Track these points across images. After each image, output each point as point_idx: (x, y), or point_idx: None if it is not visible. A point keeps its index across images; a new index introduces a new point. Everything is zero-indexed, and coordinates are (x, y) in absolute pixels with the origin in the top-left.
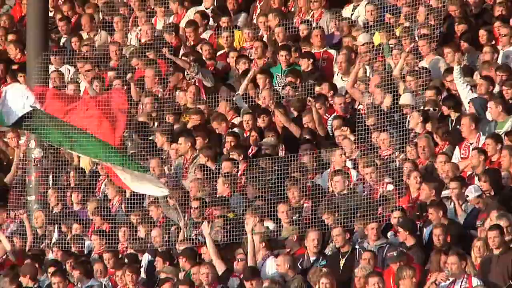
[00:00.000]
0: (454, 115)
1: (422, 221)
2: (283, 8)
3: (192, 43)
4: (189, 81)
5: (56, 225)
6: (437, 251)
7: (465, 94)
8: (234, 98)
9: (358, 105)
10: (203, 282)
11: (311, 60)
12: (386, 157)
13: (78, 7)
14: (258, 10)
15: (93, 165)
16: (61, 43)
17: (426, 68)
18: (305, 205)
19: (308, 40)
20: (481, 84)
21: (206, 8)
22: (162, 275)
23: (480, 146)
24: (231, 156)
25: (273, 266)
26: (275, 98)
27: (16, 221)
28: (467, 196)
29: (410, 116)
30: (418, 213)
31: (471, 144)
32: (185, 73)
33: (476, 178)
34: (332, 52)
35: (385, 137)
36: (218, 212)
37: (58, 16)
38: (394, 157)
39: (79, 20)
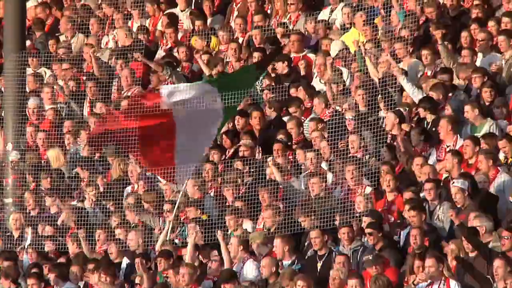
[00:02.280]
0: (430, 117)
1: (401, 228)
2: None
3: (170, 45)
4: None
5: (31, 228)
6: (413, 254)
7: (415, 96)
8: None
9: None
10: (182, 284)
11: (286, 63)
12: (365, 160)
13: (56, 9)
14: (236, 13)
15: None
16: (37, 45)
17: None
18: (280, 207)
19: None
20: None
21: (182, 11)
22: (137, 279)
23: (457, 148)
24: (210, 158)
25: (252, 268)
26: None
27: None
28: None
29: (385, 118)
30: (398, 221)
31: (447, 146)
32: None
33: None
34: (311, 56)
35: (354, 139)
36: (192, 214)
37: (35, 18)
38: (368, 159)
39: (56, 22)
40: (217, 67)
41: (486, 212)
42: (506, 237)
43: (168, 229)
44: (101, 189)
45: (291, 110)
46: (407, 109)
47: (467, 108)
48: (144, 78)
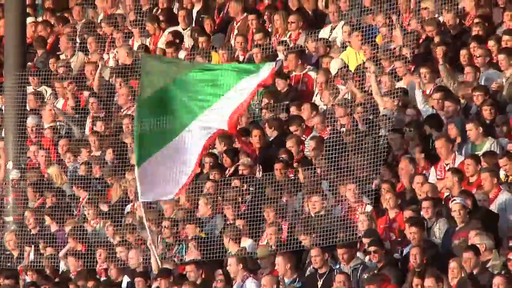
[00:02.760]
0: (435, 135)
1: (403, 245)
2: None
3: None
4: None
5: (33, 247)
6: (413, 272)
7: (423, 111)
8: None
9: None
10: None
11: (287, 81)
12: (363, 177)
13: (58, 26)
14: (236, 31)
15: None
16: (38, 64)
17: (404, 89)
18: (283, 226)
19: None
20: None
21: (183, 29)
22: None
23: (456, 166)
24: (211, 177)
25: (252, 287)
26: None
27: None
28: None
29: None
30: (399, 239)
31: (447, 164)
32: None
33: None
34: (312, 74)
35: (359, 159)
36: (190, 232)
37: (37, 36)
38: (371, 178)
39: (56, 40)
40: None
41: (487, 230)
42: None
43: (153, 251)
44: (103, 208)
45: (292, 128)
46: (412, 130)
47: (469, 126)
48: None
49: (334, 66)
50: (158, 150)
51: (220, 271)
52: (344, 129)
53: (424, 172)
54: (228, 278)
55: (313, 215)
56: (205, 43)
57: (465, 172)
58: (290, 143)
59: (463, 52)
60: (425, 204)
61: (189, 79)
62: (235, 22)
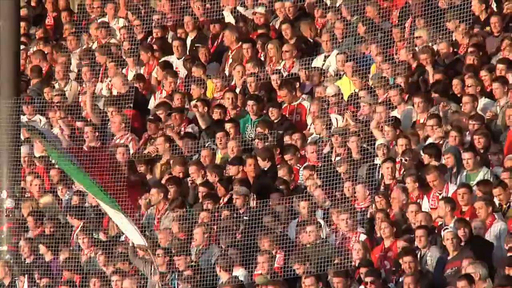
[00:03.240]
0: (426, 168)
1: (398, 274)
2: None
3: (166, 93)
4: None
5: (27, 276)
6: None
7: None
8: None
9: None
10: None
11: (280, 110)
12: (363, 208)
13: (52, 55)
14: (230, 60)
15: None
16: (32, 93)
17: (397, 118)
18: (277, 255)
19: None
20: (454, 136)
21: (178, 58)
22: None
23: (450, 195)
24: (204, 207)
25: None
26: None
27: None
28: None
29: (380, 167)
30: (393, 269)
31: (439, 193)
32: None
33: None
34: (305, 104)
35: (360, 190)
36: (182, 263)
37: (30, 65)
38: (370, 209)
39: (50, 69)
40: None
41: (480, 259)
42: None
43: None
44: (101, 237)
45: (286, 157)
46: (407, 159)
47: (467, 155)
48: (140, 126)
49: (328, 92)
50: None
51: None
52: (339, 158)
53: (418, 200)
54: None
55: (307, 245)
56: (198, 72)
57: (458, 201)
58: (281, 172)
59: (455, 81)
60: (418, 233)
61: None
62: (229, 51)
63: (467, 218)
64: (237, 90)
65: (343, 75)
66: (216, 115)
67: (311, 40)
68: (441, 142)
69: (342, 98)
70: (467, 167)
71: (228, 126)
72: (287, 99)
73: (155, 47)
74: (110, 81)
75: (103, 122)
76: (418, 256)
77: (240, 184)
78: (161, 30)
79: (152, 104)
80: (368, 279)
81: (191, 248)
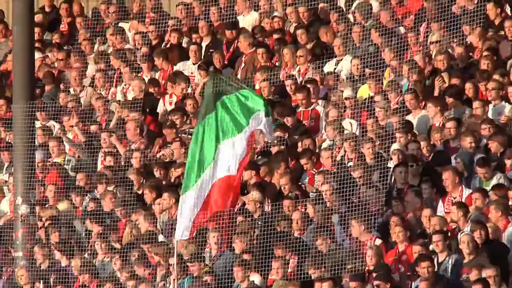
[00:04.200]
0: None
1: (413, 279)
2: (268, 63)
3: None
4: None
5: (42, 282)
6: None
7: None
8: None
9: (348, 160)
10: None
11: (295, 116)
12: (376, 212)
13: (66, 60)
14: (242, 65)
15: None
16: (46, 99)
17: (409, 122)
18: (291, 260)
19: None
20: (466, 139)
21: (194, 64)
22: None
23: (464, 199)
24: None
25: None
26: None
27: (3, 277)
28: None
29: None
30: (408, 273)
31: (454, 198)
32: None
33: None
34: (319, 109)
35: (372, 193)
36: (195, 269)
37: (43, 71)
38: (383, 212)
39: (64, 75)
40: None
41: (496, 263)
42: None
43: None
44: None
45: (302, 162)
46: (418, 164)
47: (480, 170)
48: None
49: (346, 96)
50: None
51: None
52: (351, 163)
53: (432, 204)
54: None
55: (324, 251)
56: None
57: (470, 206)
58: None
59: (468, 85)
60: (435, 237)
61: (229, 102)
62: (243, 56)
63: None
64: None
65: (359, 79)
66: None
67: (328, 45)
68: (458, 146)
69: (356, 102)
70: (483, 178)
71: None
72: (305, 103)
73: (170, 52)
74: (125, 85)
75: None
76: (437, 261)
77: (255, 189)
78: (177, 35)
79: (161, 107)
80: (376, 283)
81: (204, 254)
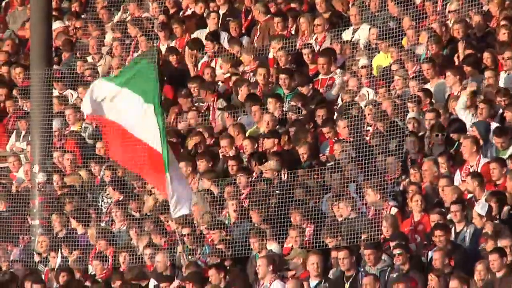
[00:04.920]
0: (460, 138)
1: (429, 248)
2: (285, 32)
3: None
4: (194, 106)
5: (60, 250)
6: (438, 274)
7: (469, 121)
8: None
9: (365, 127)
10: None
11: (311, 85)
12: (392, 180)
13: (85, 29)
14: (258, 33)
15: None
16: (64, 66)
17: (428, 90)
18: (307, 228)
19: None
20: (482, 108)
21: (211, 31)
22: None
23: (479, 169)
24: (235, 180)
25: None
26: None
27: (20, 245)
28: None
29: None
30: (425, 243)
31: (471, 167)
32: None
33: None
34: (336, 78)
35: (391, 161)
36: (216, 237)
37: (62, 39)
38: (399, 181)
39: (83, 43)
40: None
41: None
42: None
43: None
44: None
45: (325, 130)
46: (438, 134)
47: (497, 140)
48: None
49: (361, 64)
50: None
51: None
52: (370, 128)
53: (449, 174)
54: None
55: (339, 220)
56: (231, 48)
57: (486, 176)
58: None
59: (486, 54)
60: (454, 207)
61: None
62: (258, 25)
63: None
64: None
65: (375, 49)
66: (245, 90)
67: (344, 14)
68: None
69: (372, 71)
70: (500, 147)
71: (269, 100)
72: (325, 68)
73: (187, 21)
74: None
75: None
76: (453, 231)
77: (274, 157)
78: (194, 3)
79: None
80: (396, 251)
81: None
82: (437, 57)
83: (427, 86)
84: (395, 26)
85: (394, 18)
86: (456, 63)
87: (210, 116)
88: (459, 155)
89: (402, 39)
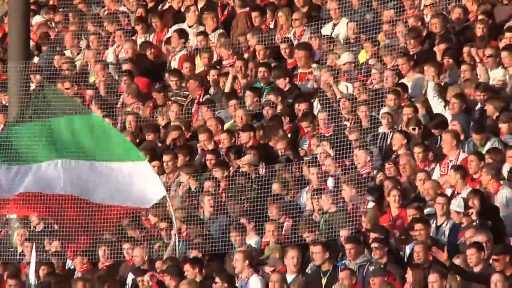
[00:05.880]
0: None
1: (406, 243)
2: (263, 26)
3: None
4: (170, 100)
5: (34, 243)
6: (417, 267)
7: (439, 111)
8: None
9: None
10: None
11: (288, 79)
12: (364, 175)
13: (62, 23)
14: (235, 26)
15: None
16: (42, 60)
17: (404, 85)
18: (285, 223)
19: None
20: (454, 103)
21: (189, 26)
22: None
23: (459, 163)
24: (212, 174)
25: (257, 284)
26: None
27: None
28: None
29: (392, 137)
30: (403, 237)
31: (450, 161)
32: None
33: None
34: (315, 72)
35: (362, 155)
36: (192, 232)
37: (39, 32)
38: (373, 175)
39: (60, 37)
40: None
41: (491, 226)
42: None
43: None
44: None
45: (303, 125)
46: (420, 128)
47: (476, 137)
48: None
49: (342, 60)
50: None
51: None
52: (347, 123)
53: (426, 168)
54: (230, 276)
55: (318, 214)
56: (203, 41)
57: (468, 169)
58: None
59: (465, 49)
60: (440, 200)
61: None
62: (236, 19)
63: (477, 186)
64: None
65: (354, 42)
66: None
67: (322, 8)
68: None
69: (356, 65)
70: (478, 143)
71: (247, 93)
72: (302, 62)
73: (166, 15)
74: (117, 47)
75: (112, 90)
76: (434, 225)
77: (251, 151)
78: None
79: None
80: (374, 245)
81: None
82: (415, 52)
83: (403, 80)
84: (372, 20)
85: (373, 10)
86: (435, 57)
87: (193, 109)
88: (439, 149)
89: (379, 33)
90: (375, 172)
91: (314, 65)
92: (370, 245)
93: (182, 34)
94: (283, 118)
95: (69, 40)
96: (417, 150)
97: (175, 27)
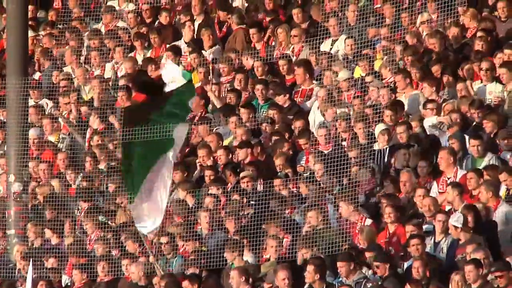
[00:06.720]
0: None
1: (405, 260)
2: (262, 42)
3: None
4: None
5: (31, 260)
6: (415, 283)
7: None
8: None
9: (341, 140)
10: None
11: (287, 96)
12: (365, 192)
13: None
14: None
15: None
16: (44, 77)
17: (400, 102)
18: (284, 239)
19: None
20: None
21: (186, 42)
22: None
23: (458, 180)
24: (210, 191)
25: None
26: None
27: None
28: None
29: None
30: (401, 254)
31: (448, 178)
32: None
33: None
34: (315, 89)
35: (362, 172)
36: (190, 247)
37: (39, 49)
38: (375, 192)
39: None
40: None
41: (489, 242)
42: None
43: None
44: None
45: (301, 142)
46: (415, 145)
47: (473, 142)
48: None
49: (340, 77)
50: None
51: None
52: (345, 143)
53: (426, 185)
54: None
55: (307, 229)
56: (197, 59)
57: (466, 186)
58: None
59: (463, 66)
60: (439, 217)
61: None
62: (233, 35)
63: (475, 203)
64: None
65: (352, 59)
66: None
67: (321, 24)
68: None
69: (355, 82)
70: (475, 153)
71: (242, 111)
72: (301, 79)
73: (163, 31)
74: (116, 63)
75: (109, 107)
76: (432, 241)
77: (250, 167)
78: (170, 14)
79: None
80: (376, 264)
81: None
82: (413, 69)
83: (400, 97)
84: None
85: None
86: (434, 74)
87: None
88: (436, 166)
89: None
90: (377, 189)
91: (315, 82)
92: (367, 261)
93: (177, 50)
94: (281, 134)
95: (68, 56)
96: (422, 164)
97: (173, 43)
